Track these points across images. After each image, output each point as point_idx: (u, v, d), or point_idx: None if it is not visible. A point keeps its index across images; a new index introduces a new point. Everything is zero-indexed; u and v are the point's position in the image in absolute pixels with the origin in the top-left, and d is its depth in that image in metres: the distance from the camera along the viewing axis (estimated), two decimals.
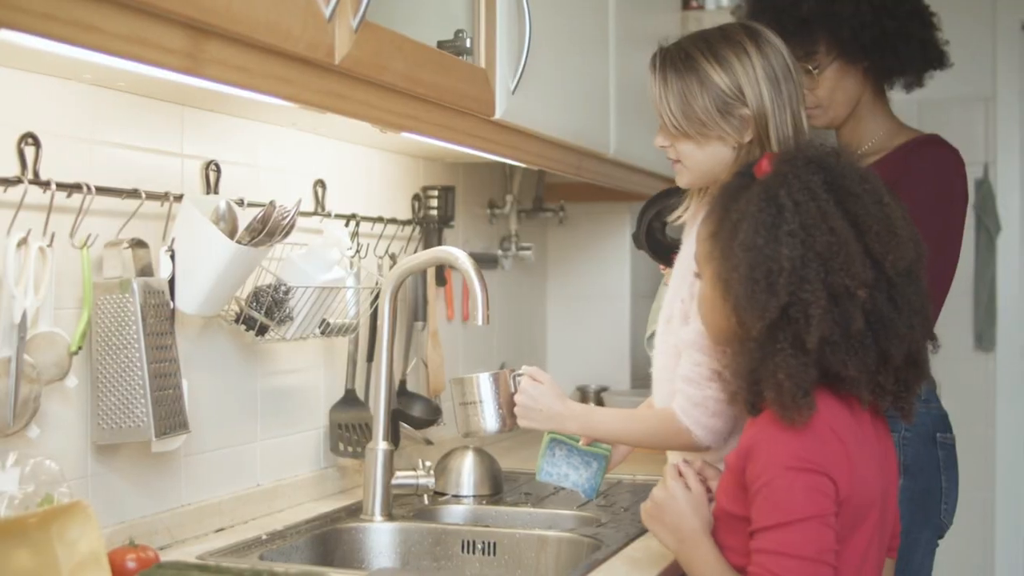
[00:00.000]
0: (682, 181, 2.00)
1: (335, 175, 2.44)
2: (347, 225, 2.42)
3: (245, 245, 1.89)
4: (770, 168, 1.57)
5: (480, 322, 2.10)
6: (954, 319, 4.68)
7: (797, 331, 1.47)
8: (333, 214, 2.36)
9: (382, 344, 2.24)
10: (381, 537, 2.19)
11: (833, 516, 1.48)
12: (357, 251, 2.42)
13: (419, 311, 2.69)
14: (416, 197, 2.78)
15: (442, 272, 2.84)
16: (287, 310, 2.06)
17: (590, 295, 3.67)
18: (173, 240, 1.88)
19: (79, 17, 1.22)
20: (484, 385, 2.04)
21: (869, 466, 1.54)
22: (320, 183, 2.38)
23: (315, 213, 2.35)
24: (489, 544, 2.16)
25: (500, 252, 3.34)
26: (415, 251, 2.73)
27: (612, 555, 1.94)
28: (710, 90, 1.89)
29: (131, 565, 1.63)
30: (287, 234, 1.95)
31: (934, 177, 2.42)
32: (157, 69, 1.38)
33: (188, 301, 1.90)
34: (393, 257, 2.58)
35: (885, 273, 1.50)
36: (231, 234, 1.90)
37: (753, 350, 1.51)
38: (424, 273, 2.71)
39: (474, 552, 2.16)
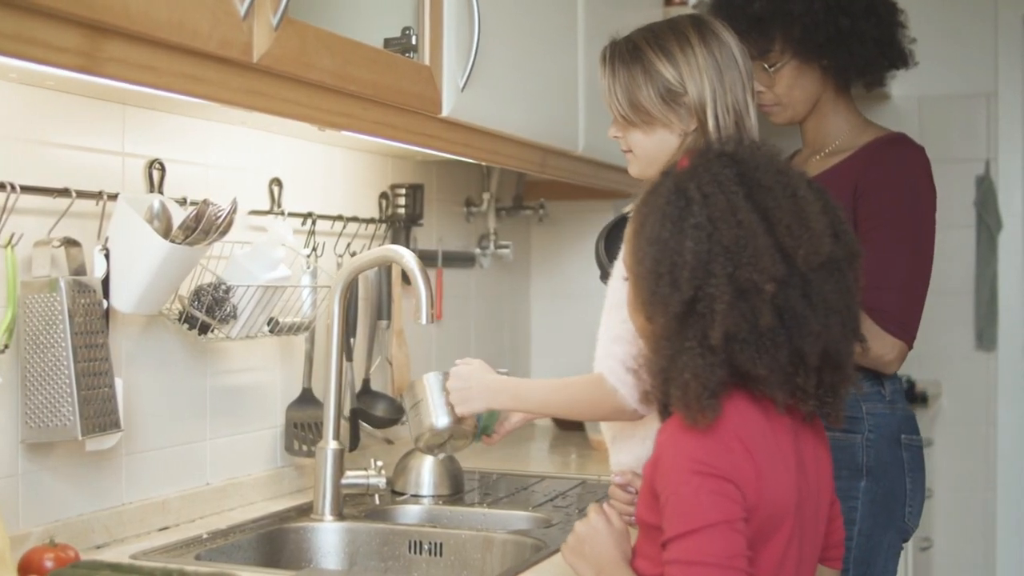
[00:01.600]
0: (633, 170, 2.02)
1: (294, 174, 2.44)
2: (303, 224, 2.41)
3: (179, 244, 1.88)
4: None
5: (424, 321, 2.09)
6: (955, 318, 4.63)
7: (704, 327, 1.43)
8: (287, 212, 2.35)
9: (332, 343, 2.23)
10: (328, 537, 2.18)
11: (742, 522, 1.43)
12: (313, 249, 2.41)
13: (383, 310, 2.68)
14: (384, 195, 2.77)
15: None
16: (228, 308, 2.05)
17: (574, 293, 3.65)
18: (107, 239, 1.88)
19: None
20: (431, 382, 2.03)
21: (782, 475, 1.48)
22: (276, 181, 2.37)
23: (269, 212, 2.34)
24: (436, 545, 2.15)
25: (478, 250, 3.32)
26: None
27: (547, 557, 1.92)
28: (655, 80, 1.92)
29: (49, 564, 1.63)
30: (224, 232, 1.95)
31: (901, 177, 2.39)
32: (51, 68, 1.37)
33: (124, 300, 1.90)
34: (354, 255, 2.56)
35: (798, 268, 1.44)
36: (165, 233, 1.89)
37: (664, 347, 1.47)
38: (389, 271, 2.71)
39: (421, 553, 2.15)
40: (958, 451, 4.59)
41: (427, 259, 3.00)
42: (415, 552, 2.16)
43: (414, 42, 2.11)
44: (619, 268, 1.87)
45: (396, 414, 2.67)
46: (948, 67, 4.66)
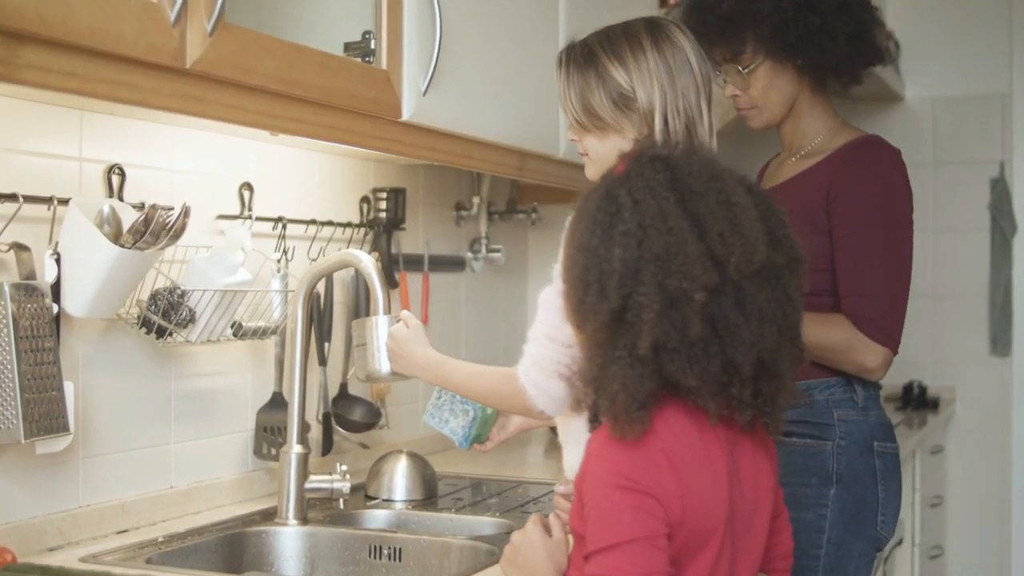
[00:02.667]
0: (589, 173, 2.01)
1: (268, 178, 2.44)
2: (274, 228, 2.42)
3: (129, 248, 1.89)
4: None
5: None
6: (969, 323, 4.57)
7: (633, 337, 1.40)
8: (254, 217, 2.36)
9: (295, 347, 2.24)
10: (289, 541, 2.18)
11: (664, 538, 1.40)
12: (284, 253, 2.42)
13: (361, 314, 2.68)
14: (365, 199, 2.77)
15: (393, 275, 2.83)
16: (184, 313, 2.06)
17: None
18: (57, 244, 1.90)
19: None
20: (380, 328, 2.01)
21: (710, 489, 1.45)
22: (247, 186, 2.38)
23: (239, 216, 2.35)
24: (396, 550, 2.15)
25: (470, 254, 3.32)
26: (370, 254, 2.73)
27: (492, 564, 1.91)
28: (607, 84, 1.91)
29: None
30: (177, 236, 1.96)
31: (875, 180, 2.36)
32: None
33: (75, 304, 1.91)
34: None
35: (730, 276, 1.41)
36: (116, 237, 1.90)
37: (595, 356, 1.44)
38: (370, 275, 2.70)
39: (381, 558, 2.15)
40: (971, 458, 4.53)
41: (413, 263, 3.00)
42: (375, 557, 2.16)
43: (373, 46, 2.10)
44: (555, 270, 1.86)
45: (373, 419, 2.67)
46: (962, 69, 4.60)
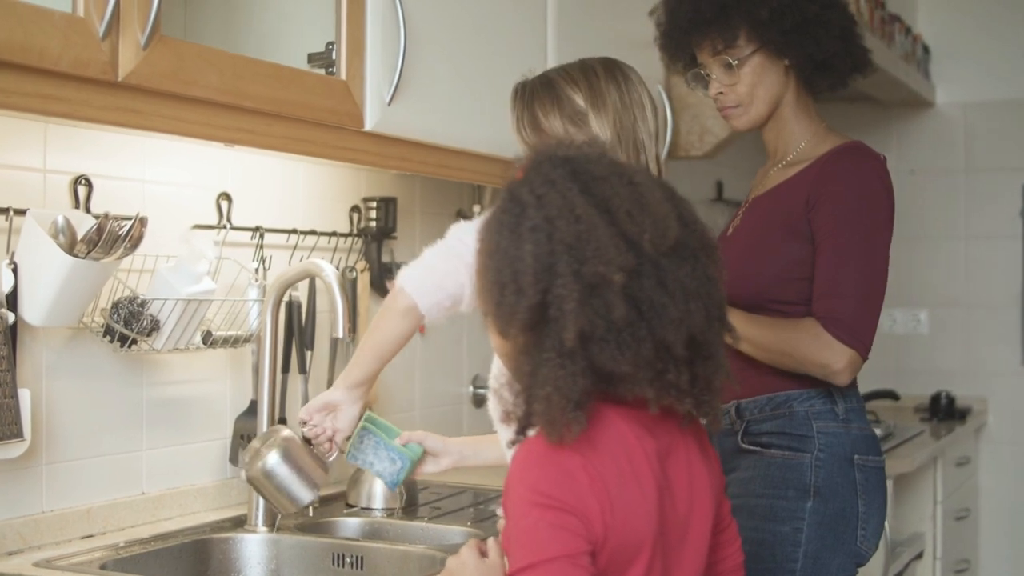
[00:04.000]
0: None
1: (252, 188, 2.47)
2: (252, 238, 2.44)
3: (82, 258, 1.92)
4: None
5: (340, 335, 2.10)
6: (1000, 333, 4.48)
7: (559, 332, 1.37)
8: (228, 226, 2.38)
9: (264, 356, 2.25)
10: (253, 548, 2.20)
11: (585, 556, 1.38)
12: (262, 261, 2.44)
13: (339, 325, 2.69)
14: (355, 209, 2.79)
15: (384, 283, 2.84)
16: (145, 321, 2.09)
17: None
18: (13, 254, 1.93)
19: None
20: (278, 470, 1.99)
21: (638, 504, 1.43)
22: (224, 196, 2.41)
23: (216, 226, 2.37)
24: (357, 558, 2.15)
25: None
26: (354, 263, 2.75)
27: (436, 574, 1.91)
28: (563, 106, 1.93)
29: None
30: (135, 246, 1.98)
31: (854, 186, 2.32)
32: None
33: (33, 313, 1.95)
34: None
35: (647, 255, 1.38)
36: (71, 247, 1.94)
37: (523, 363, 1.42)
38: (354, 284, 2.72)
39: (343, 566, 2.16)
40: (1002, 470, 4.44)
41: None
42: (338, 565, 2.17)
43: (335, 56, 2.12)
44: None
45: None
46: (993, 73, 4.52)
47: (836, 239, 2.28)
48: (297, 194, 2.62)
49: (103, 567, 1.95)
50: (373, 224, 2.79)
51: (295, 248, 2.55)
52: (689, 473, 1.52)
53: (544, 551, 1.37)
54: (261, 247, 2.45)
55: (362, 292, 2.76)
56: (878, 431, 3.56)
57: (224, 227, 2.38)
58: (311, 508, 2.29)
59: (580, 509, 1.38)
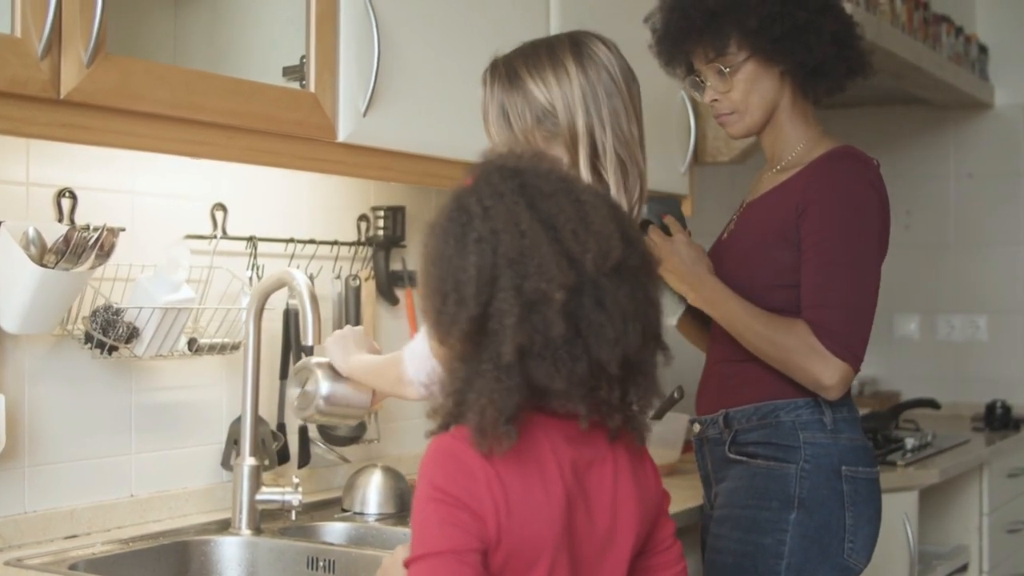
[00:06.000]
0: None
1: (253, 199, 2.53)
2: (246, 247, 2.50)
3: (52, 268, 1.99)
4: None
5: (309, 342, 2.14)
6: None
7: (498, 346, 1.38)
8: (219, 236, 2.44)
9: (247, 363, 2.30)
10: (231, 551, 2.25)
11: (474, 554, 1.39)
12: (256, 271, 2.50)
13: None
14: (363, 218, 2.83)
15: (392, 291, 2.88)
16: (121, 329, 2.15)
17: None
18: None
19: None
20: (335, 389, 2.05)
21: (539, 511, 1.43)
22: (219, 207, 2.47)
23: (210, 236, 2.43)
24: (330, 562, 2.19)
25: None
26: (359, 272, 2.79)
27: None
28: (529, 104, 1.93)
29: None
30: (107, 255, 2.05)
31: (842, 191, 2.30)
32: None
33: (9, 321, 2.02)
34: (312, 279, 2.62)
35: (588, 274, 1.39)
36: (41, 257, 2.01)
37: (459, 370, 1.43)
38: (358, 291, 2.76)
39: (316, 569, 2.20)
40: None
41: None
42: (312, 568, 2.20)
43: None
44: None
45: (358, 432, 2.72)
46: None
47: (825, 247, 2.25)
48: (300, 204, 2.67)
49: (72, 567, 2.01)
50: (381, 233, 2.83)
51: (292, 257, 2.60)
52: (615, 489, 1.51)
53: (433, 544, 1.39)
54: (254, 256, 2.51)
55: (366, 300, 2.80)
56: (912, 440, 3.50)
57: (215, 237, 2.43)
58: (294, 513, 2.32)
59: (473, 507, 1.39)
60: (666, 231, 2.35)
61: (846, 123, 4.68)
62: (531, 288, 1.36)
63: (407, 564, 1.43)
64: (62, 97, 1.72)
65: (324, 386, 2.04)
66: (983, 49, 4.40)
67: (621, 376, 1.42)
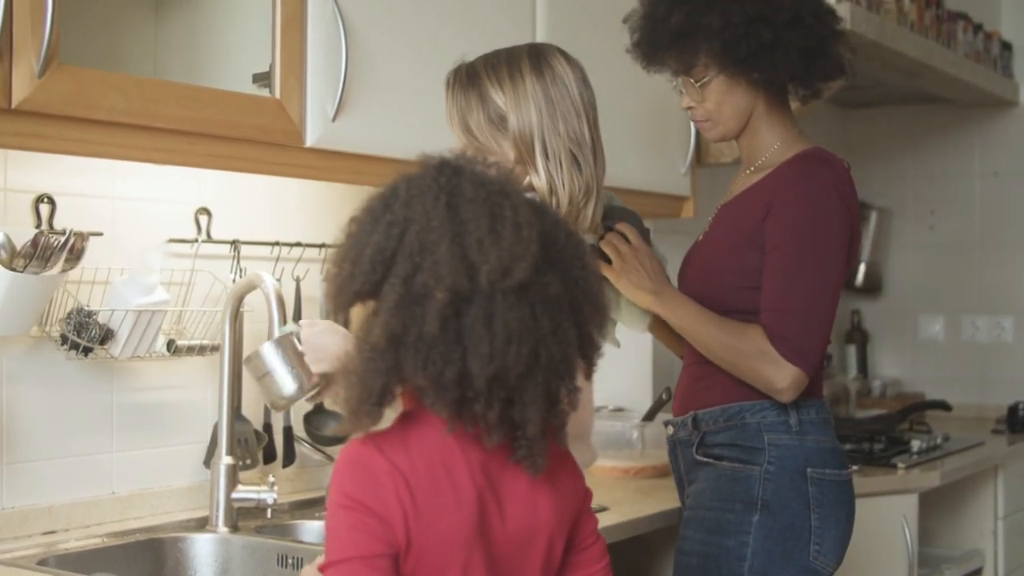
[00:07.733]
0: None
1: (238, 203, 2.58)
2: (230, 251, 2.55)
3: (20, 271, 2.06)
4: None
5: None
6: None
7: (376, 328, 1.42)
8: (201, 240, 2.49)
9: (223, 364, 2.35)
10: (203, 548, 2.30)
11: (384, 559, 1.42)
12: (238, 273, 2.54)
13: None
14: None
15: None
16: (94, 330, 2.21)
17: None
18: None
19: None
20: (269, 354, 2.02)
21: (450, 515, 1.45)
22: (203, 211, 2.52)
23: (192, 240, 2.49)
24: (298, 560, 2.23)
25: None
26: None
27: None
28: (486, 108, 2.01)
29: None
30: (77, 259, 2.11)
31: (805, 194, 2.29)
32: None
33: None
34: (298, 281, 2.67)
35: (481, 286, 1.40)
36: (11, 261, 2.07)
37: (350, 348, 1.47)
38: (269, 296, 2.78)
39: (286, 566, 2.24)
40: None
41: None
42: (281, 565, 2.25)
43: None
44: None
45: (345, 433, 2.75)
46: None
47: (785, 251, 2.25)
48: (287, 208, 2.71)
49: (42, 562, 2.07)
50: None
51: (278, 260, 2.64)
52: (532, 489, 1.52)
53: (343, 551, 1.42)
54: (237, 260, 2.55)
55: None
56: (919, 443, 3.46)
57: (196, 241, 2.48)
58: (270, 511, 2.36)
59: (380, 512, 1.42)
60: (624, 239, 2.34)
61: (870, 123, 4.65)
62: (420, 282, 1.40)
63: (321, 570, 1.46)
64: (14, 107, 1.78)
65: (266, 346, 2.01)
66: (1007, 46, 4.34)
67: (495, 395, 1.41)
